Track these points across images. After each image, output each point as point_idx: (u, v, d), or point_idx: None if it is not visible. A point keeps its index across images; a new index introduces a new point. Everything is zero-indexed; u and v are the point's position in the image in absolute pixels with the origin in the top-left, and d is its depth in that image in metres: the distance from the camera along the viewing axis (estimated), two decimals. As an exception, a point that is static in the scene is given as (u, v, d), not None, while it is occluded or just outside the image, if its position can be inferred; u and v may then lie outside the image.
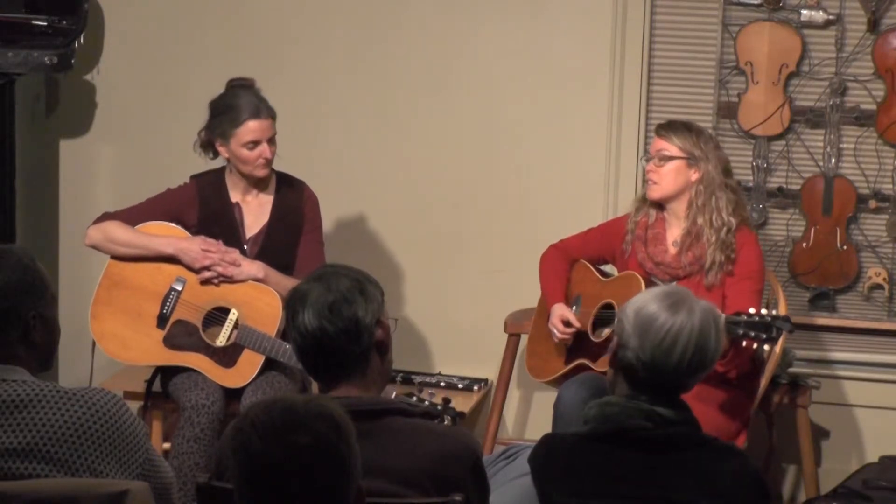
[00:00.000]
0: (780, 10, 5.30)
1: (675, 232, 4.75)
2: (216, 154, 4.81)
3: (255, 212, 4.83)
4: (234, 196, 4.83)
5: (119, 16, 5.71)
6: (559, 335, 4.76)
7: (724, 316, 4.35)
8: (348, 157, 5.61)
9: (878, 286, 5.39)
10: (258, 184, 4.81)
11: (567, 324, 4.74)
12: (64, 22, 5.40)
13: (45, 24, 5.39)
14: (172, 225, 4.77)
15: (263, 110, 4.72)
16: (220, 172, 4.85)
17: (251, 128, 4.69)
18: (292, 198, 4.84)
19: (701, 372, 3.12)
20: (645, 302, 3.14)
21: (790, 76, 5.33)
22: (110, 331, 4.76)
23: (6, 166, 5.41)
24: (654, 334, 3.08)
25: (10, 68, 5.34)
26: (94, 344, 4.79)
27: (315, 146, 5.59)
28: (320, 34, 5.61)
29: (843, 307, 5.44)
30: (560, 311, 4.78)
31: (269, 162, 4.74)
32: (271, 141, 4.73)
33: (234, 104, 4.72)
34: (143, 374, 4.93)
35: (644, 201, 4.81)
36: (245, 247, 4.79)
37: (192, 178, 4.86)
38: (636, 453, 3.07)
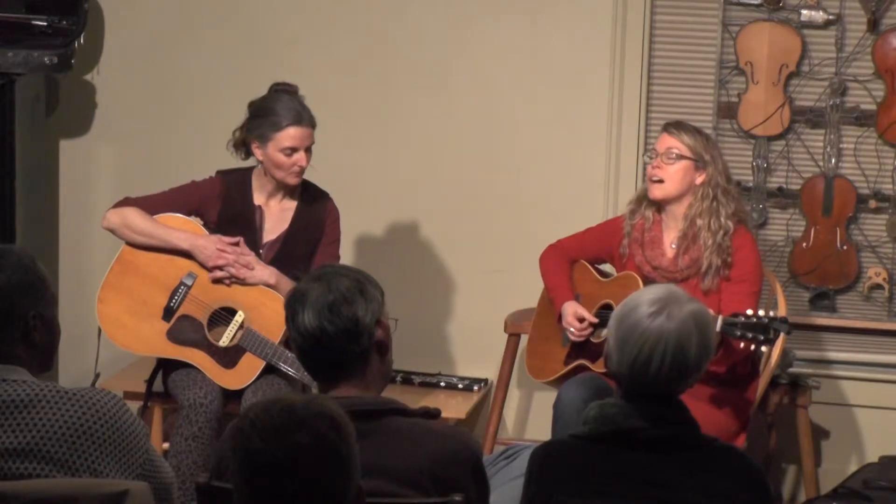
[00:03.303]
0: (780, 10, 5.30)
1: (672, 235, 4.74)
2: (248, 154, 4.78)
3: (276, 217, 4.81)
4: (258, 199, 4.80)
5: (119, 16, 5.71)
6: (577, 333, 4.73)
7: (721, 317, 4.36)
8: (347, 157, 5.61)
9: (878, 286, 5.39)
10: (284, 189, 4.78)
11: (582, 320, 4.72)
12: (64, 22, 5.40)
13: (45, 24, 5.39)
14: (192, 219, 4.76)
15: (305, 118, 4.70)
16: (247, 172, 4.82)
17: (291, 134, 4.67)
18: (315, 209, 4.82)
19: (685, 378, 3.10)
20: (628, 309, 3.12)
21: (790, 76, 5.33)
22: (115, 316, 4.75)
23: (6, 166, 5.40)
24: (631, 347, 3.07)
25: (10, 68, 5.34)
26: (99, 331, 4.78)
27: (313, 146, 5.59)
28: (320, 35, 5.61)
29: (843, 307, 5.44)
30: (572, 308, 4.76)
31: (302, 170, 4.71)
32: (308, 150, 4.71)
33: (276, 108, 4.69)
34: (143, 374, 4.93)
35: (640, 203, 4.80)
36: (260, 251, 4.77)
37: (219, 173, 4.83)
38: (636, 454, 3.07)
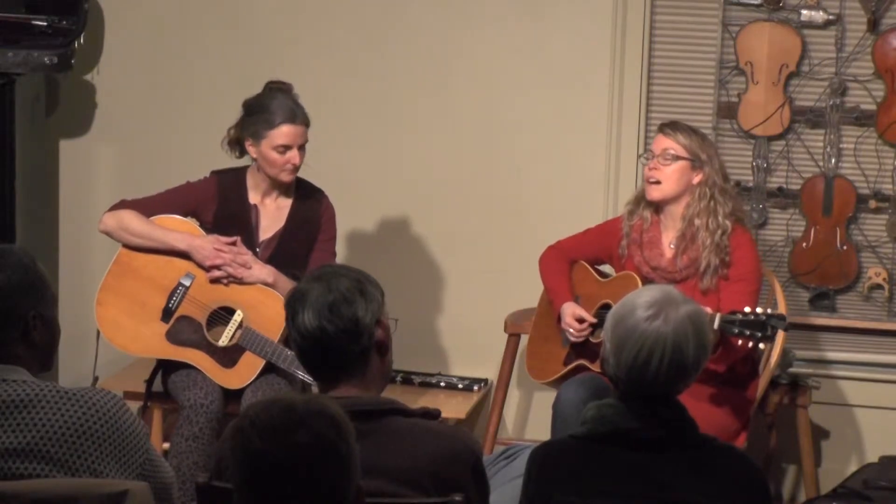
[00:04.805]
0: (780, 10, 5.30)
1: (670, 235, 4.74)
2: (243, 153, 4.79)
3: (272, 216, 4.81)
4: (253, 197, 4.81)
5: (119, 16, 5.71)
6: (576, 333, 4.73)
7: (719, 315, 4.36)
8: (348, 156, 5.61)
9: (878, 286, 5.39)
10: (279, 187, 4.79)
11: (581, 321, 4.72)
12: (64, 22, 5.40)
13: (45, 24, 5.39)
14: (188, 220, 4.76)
15: (299, 116, 4.70)
16: (241, 172, 4.83)
17: (285, 132, 4.68)
18: (310, 206, 4.83)
19: (683, 379, 3.10)
20: (624, 312, 3.11)
21: (790, 76, 5.33)
22: (114, 318, 4.75)
23: (6, 166, 5.40)
24: (629, 350, 3.06)
25: (10, 68, 5.34)
26: (98, 333, 4.79)
27: (314, 146, 5.57)
28: (320, 35, 5.61)
29: (842, 307, 5.44)
30: (571, 309, 4.76)
31: (296, 168, 4.72)
32: (302, 148, 4.71)
33: (270, 106, 4.70)
34: (143, 374, 4.93)
35: (638, 204, 4.80)
36: (257, 250, 4.78)
37: (213, 173, 4.84)
38: (635, 454, 3.07)
